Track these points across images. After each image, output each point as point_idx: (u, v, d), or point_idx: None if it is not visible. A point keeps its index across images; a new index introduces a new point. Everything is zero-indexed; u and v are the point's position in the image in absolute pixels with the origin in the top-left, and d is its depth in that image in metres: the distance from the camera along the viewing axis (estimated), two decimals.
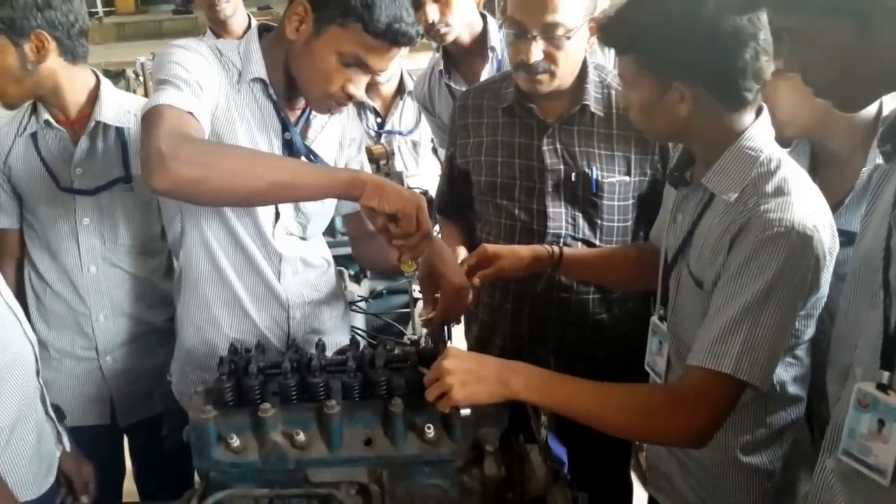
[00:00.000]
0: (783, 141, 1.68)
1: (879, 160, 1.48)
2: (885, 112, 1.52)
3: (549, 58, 1.84)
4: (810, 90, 1.51)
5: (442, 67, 2.76)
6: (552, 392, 1.36)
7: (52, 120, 1.99)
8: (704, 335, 1.38)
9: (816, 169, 1.66)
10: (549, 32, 1.81)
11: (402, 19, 1.56)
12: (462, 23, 2.55)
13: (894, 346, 1.06)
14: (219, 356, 1.77)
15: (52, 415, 1.74)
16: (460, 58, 2.71)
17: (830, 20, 1.06)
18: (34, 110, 2.01)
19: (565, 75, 1.90)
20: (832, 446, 1.16)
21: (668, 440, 1.40)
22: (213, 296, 1.80)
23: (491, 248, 1.80)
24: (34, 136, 2.01)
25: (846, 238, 1.55)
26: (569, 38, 1.82)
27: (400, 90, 3.07)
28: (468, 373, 1.33)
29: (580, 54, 1.91)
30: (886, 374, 1.07)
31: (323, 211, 1.89)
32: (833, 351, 1.28)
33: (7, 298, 1.62)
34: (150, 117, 1.47)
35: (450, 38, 2.56)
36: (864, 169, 1.53)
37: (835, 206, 1.58)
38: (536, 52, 1.83)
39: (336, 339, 1.92)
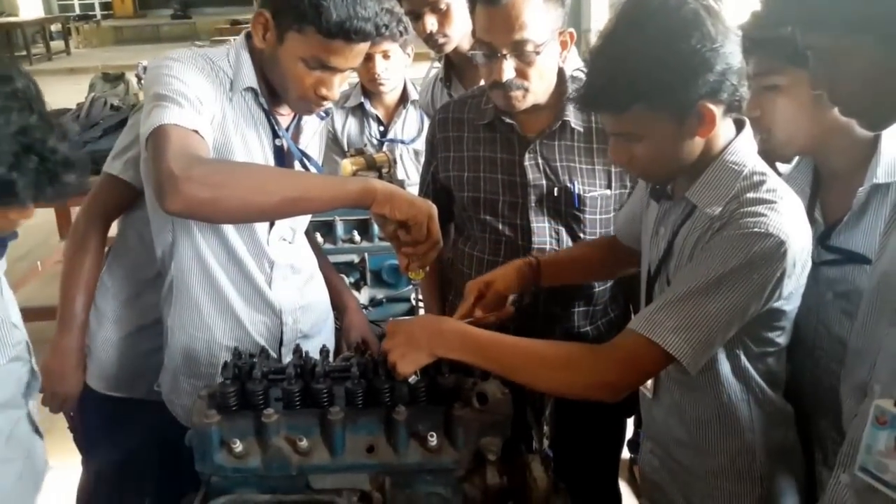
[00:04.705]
0: (784, 159, 1.67)
1: (876, 179, 1.49)
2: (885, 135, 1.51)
3: (521, 74, 1.84)
4: (808, 107, 1.52)
5: (442, 76, 2.76)
6: (477, 351, 1.44)
7: None
8: (651, 305, 1.43)
9: (819, 187, 1.66)
10: (519, 50, 1.81)
11: (355, 16, 1.56)
12: (462, 32, 2.55)
13: None
14: (211, 364, 1.78)
15: (40, 429, 1.58)
16: (461, 66, 2.71)
17: (855, 39, 1.06)
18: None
19: (539, 91, 1.89)
20: (848, 461, 1.15)
21: (585, 392, 1.45)
22: (206, 304, 1.78)
23: (474, 282, 1.78)
24: None
25: (843, 256, 1.55)
26: (538, 53, 1.81)
27: (403, 99, 3.07)
28: (404, 345, 1.44)
29: (552, 68, 1.90)
30: None
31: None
32: (849, 366, 1.27)
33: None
34: (157, 138, 1.46)
35: (448, 49, 2.57)
36: (860, 189, 1.53)
37: (834, 225, 1.58)
38: (508, 70, 1.82)
39: (324, 341, 1.91)
